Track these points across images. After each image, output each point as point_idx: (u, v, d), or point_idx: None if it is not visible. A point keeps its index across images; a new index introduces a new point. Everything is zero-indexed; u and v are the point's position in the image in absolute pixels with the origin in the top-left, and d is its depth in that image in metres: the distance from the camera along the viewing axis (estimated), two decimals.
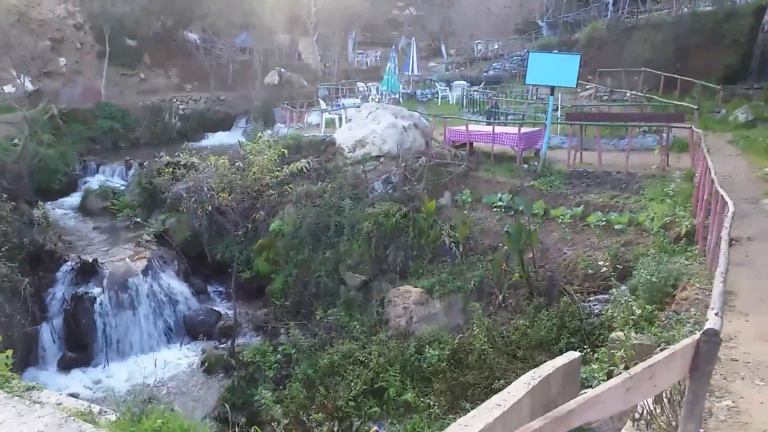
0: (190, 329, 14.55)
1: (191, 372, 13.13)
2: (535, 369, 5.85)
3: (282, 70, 38.37)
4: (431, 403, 9.82)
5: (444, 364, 10.36)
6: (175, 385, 12.52)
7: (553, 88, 14.72)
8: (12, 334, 11.23)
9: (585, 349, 8.32)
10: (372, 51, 45.63)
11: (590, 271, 11.19)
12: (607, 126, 17.29)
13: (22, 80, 26.92)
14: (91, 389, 12.51)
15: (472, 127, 16.41)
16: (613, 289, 9.60)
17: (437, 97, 29.89)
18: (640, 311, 8.06)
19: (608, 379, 6.89)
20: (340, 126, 21.30)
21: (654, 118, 16.18)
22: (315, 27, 41.40)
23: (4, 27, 26.86)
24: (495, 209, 13.96)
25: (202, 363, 13.20)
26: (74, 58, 31.46)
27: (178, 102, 30.92)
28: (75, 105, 27.62)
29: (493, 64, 36.28)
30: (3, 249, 12.68)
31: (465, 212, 13.83)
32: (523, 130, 15.59)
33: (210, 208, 14.74)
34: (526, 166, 15.55)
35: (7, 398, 4.48)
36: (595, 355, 8.22)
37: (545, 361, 10.07)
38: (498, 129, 15.81)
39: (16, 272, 12.98)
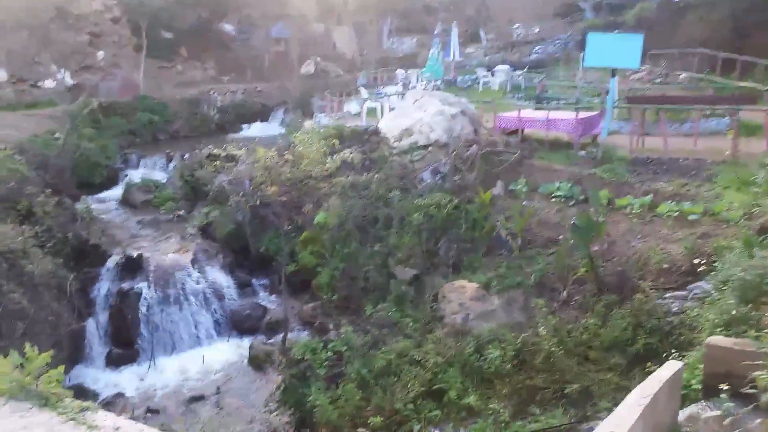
0: (236, 324, 14.22)
1: (239, 368, 12.78)
2: (641, 386, 5.17)
3: (317, 59, 37.92)
4: (497, 407, 9.24)
5: (507, 365, 9.72)
6: (224, 383, 12.19)
7: (614, 71, 13.84)
8: (59, 333, 10.97)
9: (669, 352, 7.62)
10: (407, 38, 44.77)
11: (665, 266, 10.39)
12: (667, 110, 16.33)
13: (62, 75, 27.04)
14: (138, 388, 12.25)
15: (524, 113, 15.62)
16: (692, 285, 8.83)
17: (478, 83, 28.97)
18: (734, 311, 7.30)
19: (704, 389, 6.21)
20: (382, 115, 20.71)
21: (722, 101, 15.19)
22: (350, 15, 40.80)
23: (44, 22, 26.95)
24: (553, 199, 13.21)
25: (251, 359, 12.83)
26: (112, 52, 31.49)
27: (215, 94, 30.68)
28: (113, 98, 27.64)
29: (535, 48, 35.12)
30: (48, 245, 12.44)
31: (523, 203, 13.09)
32: (581, 115, 14.74)
33: (258, 202, 14.26)
34: (583, 153, 14.73)
35: (61, 423, 4.01)
36: (684, 360, 7.50)
37: (620, 364, 9.48)
38: (553, 114, 15.00)
39: (61, 268, 12.75)
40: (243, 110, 31.16)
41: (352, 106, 23.70)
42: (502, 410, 9.02)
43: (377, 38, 43.24)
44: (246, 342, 13.83)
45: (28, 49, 26.98)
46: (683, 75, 23.73)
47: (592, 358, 9.39)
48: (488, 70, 30.11)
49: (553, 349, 9.35)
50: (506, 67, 29.08)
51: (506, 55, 34.98)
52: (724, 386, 5.14)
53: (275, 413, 10.87)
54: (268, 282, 16.26)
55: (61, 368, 4.83)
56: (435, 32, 22.53)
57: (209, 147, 21.60)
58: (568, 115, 14.98)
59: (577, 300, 10.90)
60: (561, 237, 12.43)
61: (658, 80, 23.92)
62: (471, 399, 9.40)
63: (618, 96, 20.31)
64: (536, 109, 18.15)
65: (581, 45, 34.17)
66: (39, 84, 27.14)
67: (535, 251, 12.23)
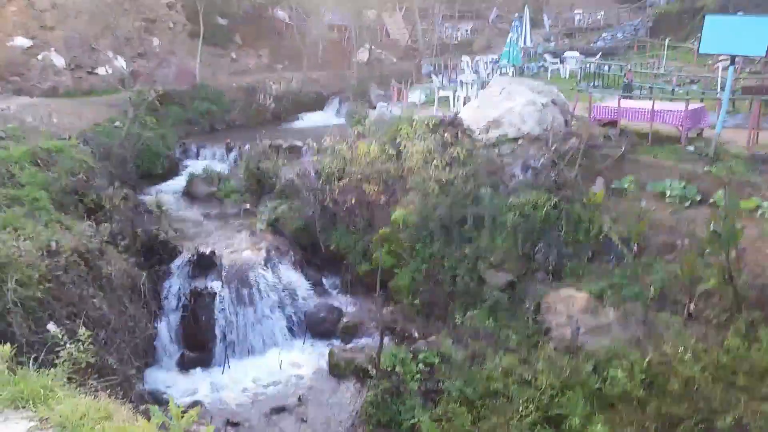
0: (311, 326, 13.38)
1: (319, 376, 11.91)
2: None
3: (371, 47, 36.82)
4: None
5: (638, 389, 8.58)
6: (305, 392, 11.34)
7: (733, 58, 12.39)
8: (137, 337, 10.23)
9: None
10: (463, 24, 43.29)
11: None
12: None
13: (119, 61, 26.60)
14: (214, 394, 11.49)
15: (626, 103, 14.25)
16: None
17: (546, 71, 27.47)
18: None
19: None
20: (455, 104, 19.54)
21: None
22: (402, 1, 39.56)
23: (102, 8, 26.53)
24: (667, 200, 11.90)
25: (331, 367, 11.94)
26: (167, 39, 30.97)
27: (271, 82, 29.88)
28: (169, 86, 27.04)
29: (603, 35, 33.32)
30: (122, 243, 11.73)
31: (638, 203, 11.81)
32: (690, 106, 13.33)
33: (334, 197, 13.37)
34: (691, 148, 13.33)
35: None
36: None
37: None
38: (659, 105, 13.61)
39: (133, 267, 12.05)
40: (298, 99, 30.23)
41: (416, 95, 22.56)
42: None
43: (430, 25, 41.84)
44: (322, 346, 12.99)
45: (85, 35, 26.58)
46: None
47: (740, 385, 8.19)
48: (554, 57, 28.59)
49: (694, 373, 8.18)
50: (576, 53, 27.53)
51: (573, 41, 33.26)
52: None
53: (366, 430, 9.92)
54: (339, 281, 15.39)
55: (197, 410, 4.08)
56: (514, 16, 21.08)
57: (272, 138, 20.91)
58: (677, 106, 13.58)
59: (707, 315, 9.66)
60: (679, 243, 11.17)
61: (747, 69, 22.08)
62: (599, 428, 8.30)
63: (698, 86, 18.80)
64: (623, 98, 16.70)
65: (653, 31, 32.45)
66: (96, 71, 26.74)
67: (651, 258, 11.00)
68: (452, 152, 13.66)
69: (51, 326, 7.76)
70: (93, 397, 4.65)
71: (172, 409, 4.00)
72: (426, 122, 14.20)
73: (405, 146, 13.53)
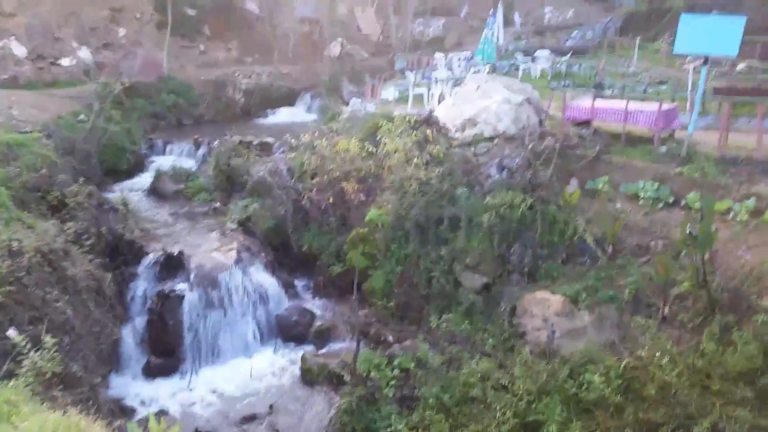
0: (283, 331, 13.06)
1: (292, 382, 11.62)
2: None
3: (343, 41, 36.43)
4: None
5: (614, 395, 8.52)
6: (276, 400, 11.05)
7: (707, 58, 12.47)
8: (101, 343, 9.81)
9: None
10: (434, 20, 43.16)
11: None
12: (745, 104, 15.03)
13: (87, 52, 25.74)
14: (181, 404, 11.12)
15: (600, 103, 14.26)
16: None
17: (516, 69, 27.50)
18: None
19: None
20: (429, 101, 19.38)
21: None
22: None
23: None
24: (641, 201, 11.93)
25: (303, 373, 11.67)
26: (134, 29, 30.12)
27: (240, 76, 29.29)
28: (135, 78, 26.25)
29: (573, 33, 33.52)
30: (86, 242, 11.25)
31: (611, 204, 11.81)
32: (663, 107, 13.40)
33: (310, 195, 13.09)
34: (664, 149, 13.41)
35: None
36: None
37: (750, 398, 8.26)
38: (632, 105, 13.65)
39: (98, 268, 11.57)
40: (269, 94, 29.69)
41: (389, 92, 22.32)
42: None
43: (402, 21, 41.63)
44: (293, 351, 12.70)
45: (48, 24, 25.63)
46: (742, 65, 22.29)
47: (715, 389, 8.19)
48: (525, 56, 28.63)
49: (671, 378, 8.15)
50: (547, 52, 27.60)
51: (542, 40, 33.39)
52: None
53: None
54: (312, 283, 15.10)
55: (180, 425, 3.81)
56: (490, 12, 20.94)
57: (242, 134, 20.43)
58: (650, 106, 13.63)
59: (682, 319, 9.69)
60: (653, 245, 11.22)
61: (714, 71, 22.44)
62: None
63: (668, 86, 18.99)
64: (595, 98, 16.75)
65: (622, 31, 32.78)
66: (59, 62, 25.81)
67: (625, 260, 11.01)
68: (431, 150, 13.48)
69: (12, 332, 7.35)
70: (63, 412, 4.34)
71: (152, 427, 3.69)
72: (407, 119, 13.97)
73: (385, 144, 13.27)
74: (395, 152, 12.99)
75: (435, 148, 13.25)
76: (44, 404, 4.94)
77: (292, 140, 14.66)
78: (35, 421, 3.94)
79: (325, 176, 14.15)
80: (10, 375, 6.29)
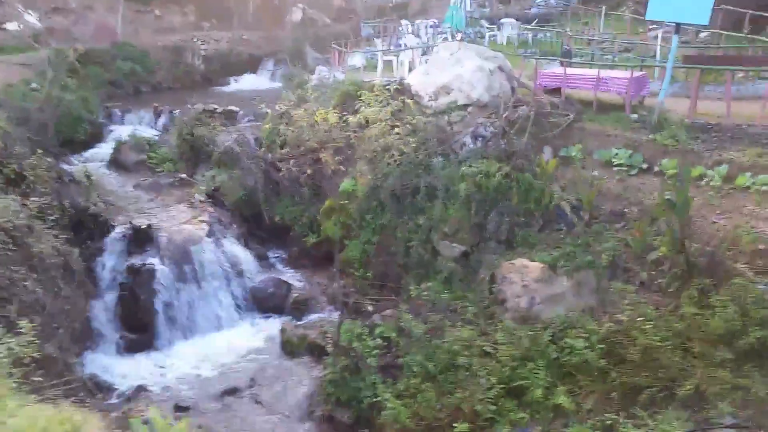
0: (259, 303, 12.89)
1: (272, 354, 11.50)
2: None
3: (304, 7, 35.54)
4: (588, 408, 8.28)
5: (597, 359, 8.70)
6: (257, 372, 10.91)
7: (678, 26, 12.57)
8: (74, 321, 9.45)
9: None
10: None
11: (761, 247, 9.43)
12: (711, 71, 15.27)
13: (35, 17, 24.36)
14: (158, 377, 10.89)
15: (571, 71, 14.29)
16: None
17: (482, 37, 27.34)
18: None
19: None
20: (399, 69, 19.11)
21: None
22: None
23: None
24: (615, 167, 12.08)
25: (283, 344, 11.55)
26: None
27: (199, 42, 28.30)
28: (88, 44, 25.04)
29: (537, 1, 33.46)
30: (50, 217, 10.74)
31: (585, 171, 11.91)
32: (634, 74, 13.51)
33: (289, 166, 12.78)
34: (635, 116, 13.56)
35: None
36: None
37: (729, 359, 8.53)
38: (604, 73, 13.72)
39: (63, 243, 11.08)
40: (229, 60, 28.82)
41: (357, 59, 21.91)
42: (598, 412, 8.09)
43: None
44: (271, 323, 12.56)
45: None
46: (704, 33, 22.64)
47: (696, 351, 8.43)
48: (491, 23, 28.50)
49: (656, 341, 8.34)
50: (512, 20, 27.49)
51: (506, 8, 33.26)
52: None
53: (325, 410, 9.65)
54: (286, 254, 14.90)
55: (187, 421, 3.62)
56: None
57: (204, 102, 19.78)
58: (622, 74, 13.72)
59: (659, 283, 9.91)
60: (627, 211, 11.40)
61: (680, 38, 22.77)
62: (562, 399, 8.38)
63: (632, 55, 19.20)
64: (561, 65, 16.80)
65: None
66: (4, 26, 24.36)
67: (601, 227, 11.14)
68: (410, 120, 13.29)
69: None
70: (52, 404, 4.09)
71: (157, 423, 3.49)
72: (387, 87, 13.71)
73: (364, 113, 13.00)
74: (376, 122, 12.73)
75: (416, 117, 13.05)
76: (33, 396, 4.65)
77: (268, 110, 14.19)
78: (24, 416, 3.67)
79: (301, 146, 13.83)
80: None
